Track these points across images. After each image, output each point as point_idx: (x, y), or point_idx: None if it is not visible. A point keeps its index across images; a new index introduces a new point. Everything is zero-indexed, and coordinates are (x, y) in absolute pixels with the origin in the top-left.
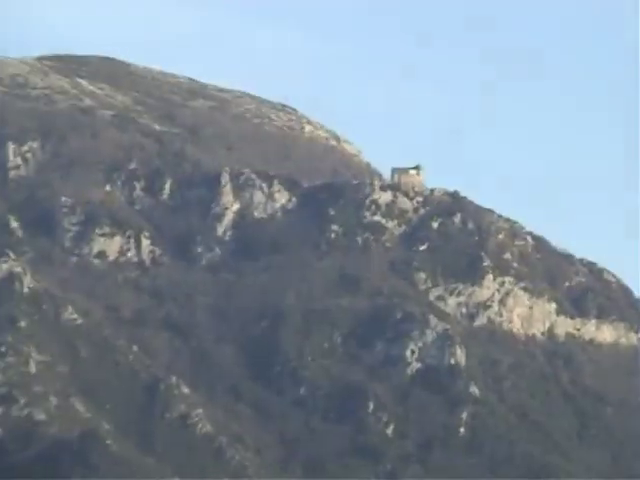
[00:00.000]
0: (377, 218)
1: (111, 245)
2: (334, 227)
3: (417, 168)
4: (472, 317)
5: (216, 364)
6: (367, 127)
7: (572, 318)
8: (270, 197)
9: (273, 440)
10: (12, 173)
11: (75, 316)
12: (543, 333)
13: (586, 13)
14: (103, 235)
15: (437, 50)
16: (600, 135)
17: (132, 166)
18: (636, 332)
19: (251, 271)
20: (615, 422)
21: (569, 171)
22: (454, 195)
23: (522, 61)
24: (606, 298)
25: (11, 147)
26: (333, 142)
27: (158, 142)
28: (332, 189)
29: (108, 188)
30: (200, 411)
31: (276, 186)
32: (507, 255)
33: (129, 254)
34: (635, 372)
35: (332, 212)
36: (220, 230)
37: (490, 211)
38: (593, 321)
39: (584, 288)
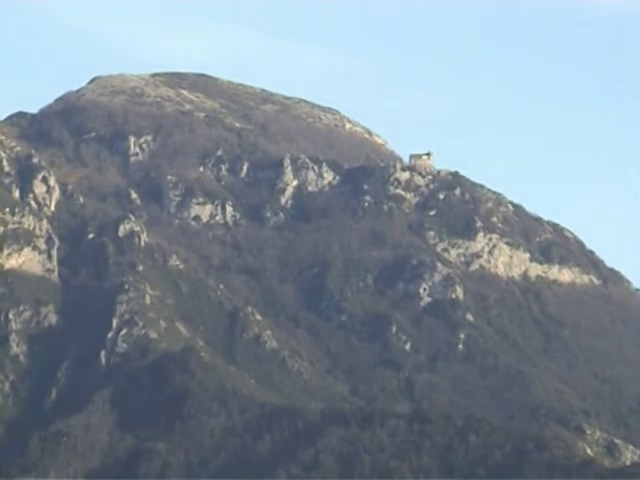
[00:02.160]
0: (398, 191)
1: (204, 211)
2: (367, 198)
3: (428, 154)
4: (468, 264)
5: (280, 298)
6: (392, 123)
7: (541, 264)
8: (320, 176)
9: (322, 354)
10: (132, 159)
11: (178, 263)
12: (520, 275)
13: None
14: (198, 204)
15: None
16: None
17: (219, 153)
18: (588, 274)
19: (306, 230)
20: (571, 340)
21: (543, 156)
22: (455, 174)
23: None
24: (566, 249)
25: (132, 140)
26: (366, 135)
27: (238, 136)
28: (365, 170)
29: (201, 169)
30: (269, 332)
31: (324, 168)
32: (494, 218)
33: (217, 218)
34: (587, 304)
35: (365, 187)
36: (283, 200)
37: (481, 186)
38: (556, 266)
39: (550, 242)
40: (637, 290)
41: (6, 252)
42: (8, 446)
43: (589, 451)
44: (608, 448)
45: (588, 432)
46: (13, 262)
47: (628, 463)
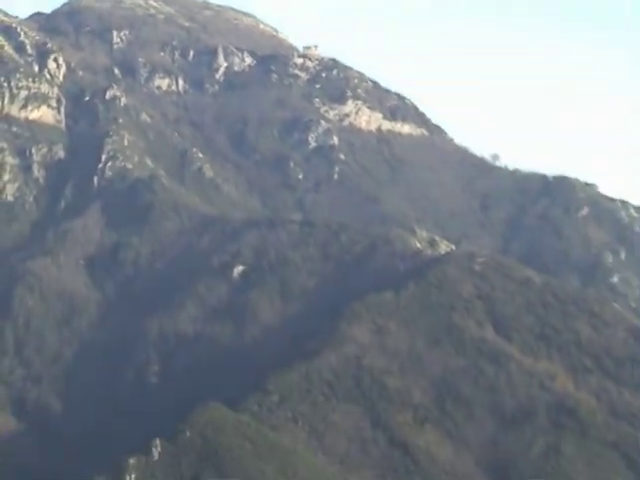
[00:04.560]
0: (296, 71)
1: (164, 83)
2: (274, 75)
3: (316, 46)
4: (341, 121)
5: (216, 144)
6: (291, 24)
7: (390, 121)
8: (242, 60)
9: (243, 180)
10: (115, 46)
11: (146, 117)
12: (376, 129)
13: None
14: (160, 78)
15: None
16: None
17: (174, 43)
18: (420, 128)
19: (233, 97)
20: (409, 173)
21: (391, 43)
22: (335, 60)
23: None
24: (406, 111)
25: (115, 33)
26: (274, 33)
27: (187, 32)
28: (273, 57)
29: (162, 54)
30: (207, 165)
31: (245, 54)
32: (359, 90)
33: (172, 87)
34: (419, 148)
35: (273, 68)
36: (217, 76)
37: (351, 68)
38: (400, 123)
39: (396, 107)
40: (452, 139)
41: (29, 108)
42: (32, 238)
43: (418, 245)
44: (430, 243)
45: (418, 232)
46: (34, 115)
47: (443, 252)
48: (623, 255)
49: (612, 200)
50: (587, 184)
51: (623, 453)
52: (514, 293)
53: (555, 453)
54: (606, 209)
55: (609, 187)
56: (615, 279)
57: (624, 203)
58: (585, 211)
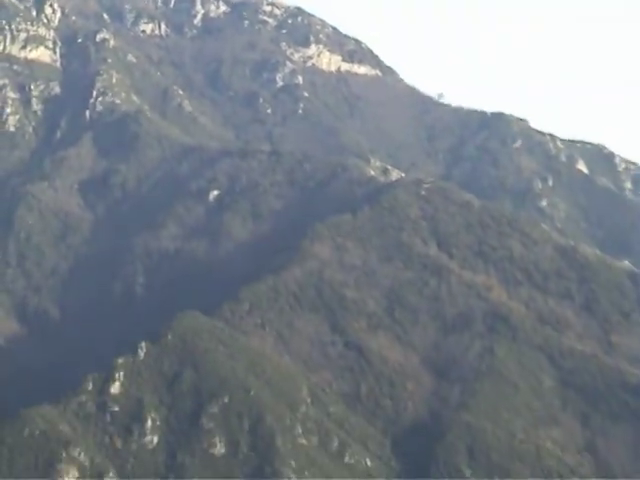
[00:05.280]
0: (265, 18)
1: (148, 27)
2: (246, 21)
3: None
4: (305, 62)
5: (194, 82)
6: None
7: (348, 63)
8: (218, 7)
9: (219, 115)
10: None
11: (132, 58)
12: (336, 70)
13: None
14: (145, 22)
15: None
16: None
17: None
18: (375, 69)
19: (210, 40)
20: (364, 109)
21: None
22: (299, 8)
23: None
24: (362, 54)
25: None
26: None
27: None
28: (245, 5)
29: (146, 1)
30: (187, 101)
31: (220, 2)
32: (321, 35)
33: (155, 31)
34: (373, 87)
35: (245, 14)
36: (195, 21)
37: (313, 15)
38: (356, 64)
39: (353, 50)
40: (402, 79)
41: (28, 49)
42: (31, 164)
43: (372, 172)
44: (383, 171)
45: (372, 161)
46: (33, 55)
47: (394, 179)
48: (550, 182)
49: (542, 134)
50: (520, 119)
51: (548, 354)
52: (455, 215)
53: (490, 354)
54: (536, 141)
55: (539, 122)
56: (543, 203)
57: (552, 136)
58: (518, 143)
